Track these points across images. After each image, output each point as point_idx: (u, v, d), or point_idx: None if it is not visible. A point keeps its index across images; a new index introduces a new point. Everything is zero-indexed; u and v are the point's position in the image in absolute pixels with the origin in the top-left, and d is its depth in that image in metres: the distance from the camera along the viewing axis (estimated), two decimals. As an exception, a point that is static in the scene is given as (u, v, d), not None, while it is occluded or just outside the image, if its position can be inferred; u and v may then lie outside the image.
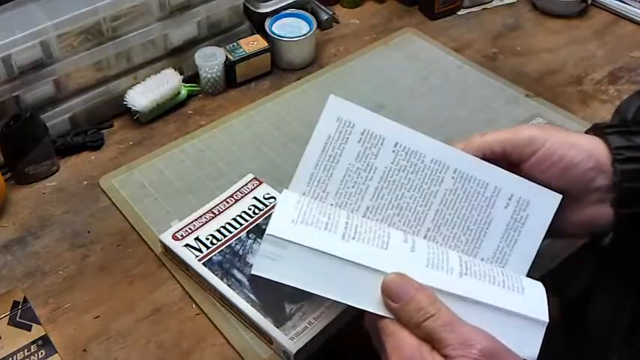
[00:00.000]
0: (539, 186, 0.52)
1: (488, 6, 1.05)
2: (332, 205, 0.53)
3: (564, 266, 0.66)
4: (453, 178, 0.52)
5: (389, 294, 0.46)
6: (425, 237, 0.53)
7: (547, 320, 0.47)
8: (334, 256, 0.47)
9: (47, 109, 0.78)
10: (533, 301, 0.49)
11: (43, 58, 0.75)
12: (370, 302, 0.47)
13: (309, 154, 0.53)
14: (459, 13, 1.04)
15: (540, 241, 0.52)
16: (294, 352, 0.57)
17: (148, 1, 0.79)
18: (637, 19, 1.01)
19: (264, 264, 0.48)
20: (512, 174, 0.53)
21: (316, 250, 0.48)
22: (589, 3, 1.02)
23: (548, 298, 0.49)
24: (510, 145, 0.52)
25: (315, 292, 0.48)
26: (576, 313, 0.64)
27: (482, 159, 0.53)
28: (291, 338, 0.57)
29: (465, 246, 0.53)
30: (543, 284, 0.51)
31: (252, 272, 0.48)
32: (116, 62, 0.81)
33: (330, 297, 0.48)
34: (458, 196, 0.53)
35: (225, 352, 0.60)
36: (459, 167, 0.52)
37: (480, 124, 0.83)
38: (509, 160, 0.53)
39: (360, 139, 0.53)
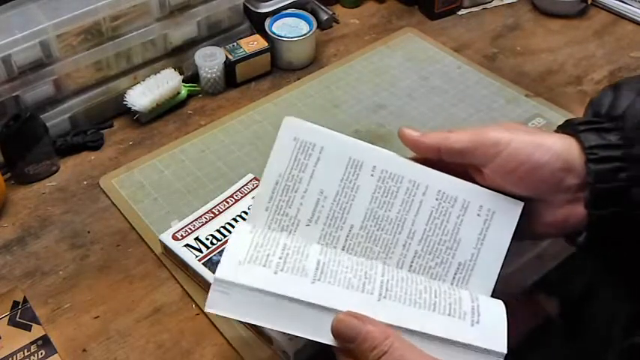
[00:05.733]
0: (501, 194, 0.51)
1: (488, 6, 1.05)
2: (291, 233, 0.52)
3: (564, 266, 0.66)
4: (437, 199, 0.51)
5: (341, 336, 0.46)
6: (397, 263, 0.51)
7: (504, 351, 0.46)
8: (285, 296, 0.46)
9: (47, 109, 0.78)
10: (491, 330, 0.47)
11: (42, 58, 0.75)
12: (328, 336, 0.46)
13: (266, 183, 0.52)
14: (459, 13, 1.04)
15: (505, 254, 0.51)
16: (293, 352, 0.57)
17: (147, 1, 0.79)
18: (637, 19, 1.00)
19: (217, 301, 0.47)
20: (473, 184, 0.51)
21: (266, 291, 0.47)
22: (589, 3, 1.02)
23: (508, 321, 0.48)
24: (473, 145, 0.50)
25: (273, 328, 0.47)
26: (576, 313, 0.64)
27: (438, 158, 0.52)
28: (291, 338, 0.57)
29: (434, 269, 0.51)
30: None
31: (206, 310, 0.47)
32: (116, 62, 0.81)
33: (289, 332, 0.47)
34: (431, 217, 0.51)
35: (225, 352, 0.60)
36: (438, 187, 0.51)
37: (479, 124, 0.83)
38: (471, 162, 0.51)
39: (319, 158, 0.52)
